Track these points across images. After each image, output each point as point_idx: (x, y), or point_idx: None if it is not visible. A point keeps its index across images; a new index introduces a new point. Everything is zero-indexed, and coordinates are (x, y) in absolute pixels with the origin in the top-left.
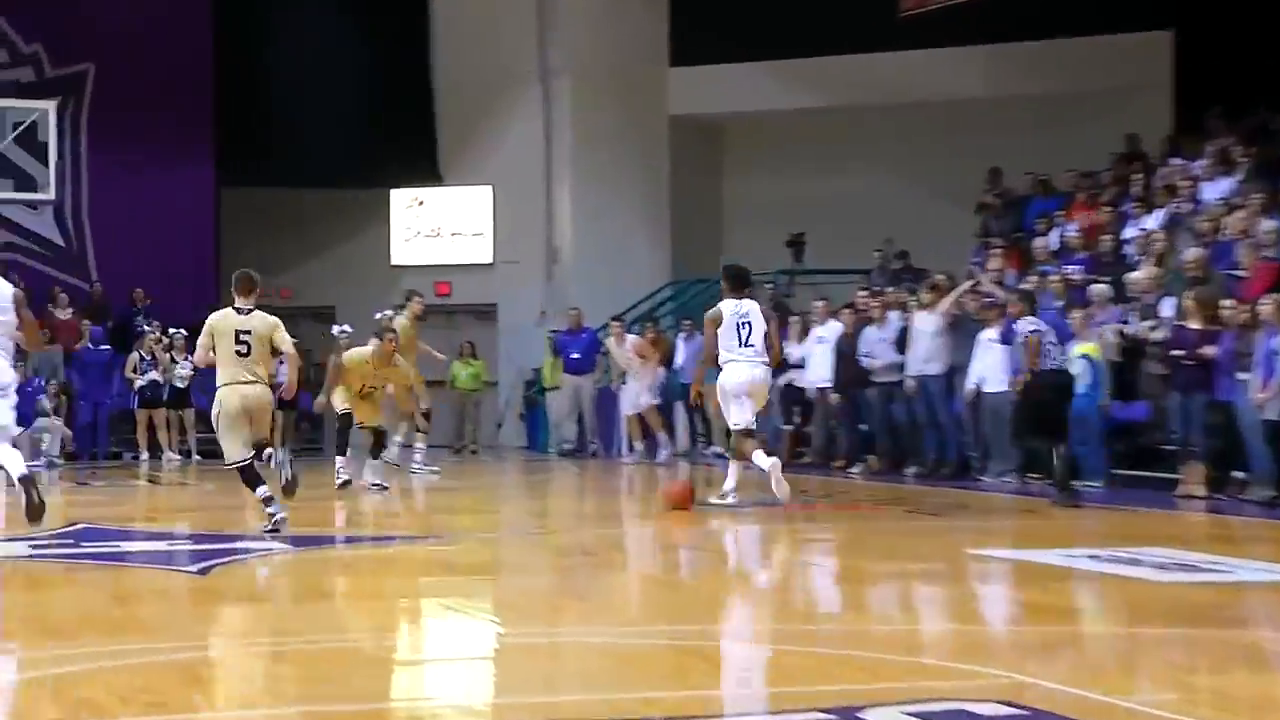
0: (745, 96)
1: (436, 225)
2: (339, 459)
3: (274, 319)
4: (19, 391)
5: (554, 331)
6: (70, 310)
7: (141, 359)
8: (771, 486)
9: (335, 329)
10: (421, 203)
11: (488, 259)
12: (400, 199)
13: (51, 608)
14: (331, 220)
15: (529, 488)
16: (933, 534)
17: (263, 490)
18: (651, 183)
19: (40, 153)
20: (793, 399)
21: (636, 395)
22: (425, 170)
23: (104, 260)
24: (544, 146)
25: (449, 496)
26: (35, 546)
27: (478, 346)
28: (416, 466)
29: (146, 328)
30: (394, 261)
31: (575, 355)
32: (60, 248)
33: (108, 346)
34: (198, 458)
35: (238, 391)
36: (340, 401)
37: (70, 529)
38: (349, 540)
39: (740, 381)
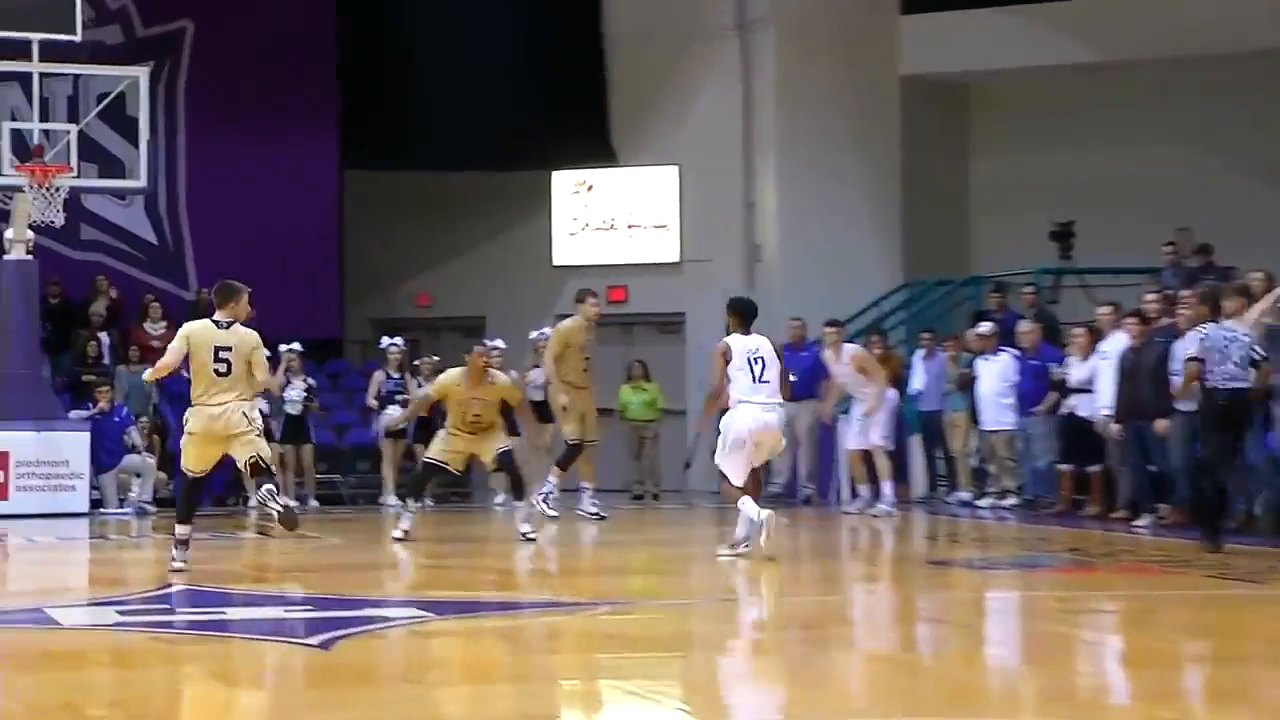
0: (997, 51)
1: (609, 216)
2: (404, 502)
3: (254, 337)
4: (105, 423)
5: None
6: (164, 324)
7: None
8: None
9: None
10: (590, 187)
11: (673, 257)
12: (565, 183)
13: (142, 688)
14: (480, 210)
15: (724, 542)
16: (1246, 605)
17: (182, 530)
18: (879, 161)
19: (129, 130)
20: (1074, 432)
21: (863, 427)
22: (595, 148)
23: (205, 261)
24: (743, 117)
25: (623, 553)
26: (124, 613)
27: (658, 366)
28: (588, 510)
29: None
30: (556, 261)
31: (793, 377)
32: (153, 247)
33: None
34: (315, 503)
35: (205, 413)
36: (436, 449)
37: (164, 591)
38: (503, 607)
39: (749, 426)
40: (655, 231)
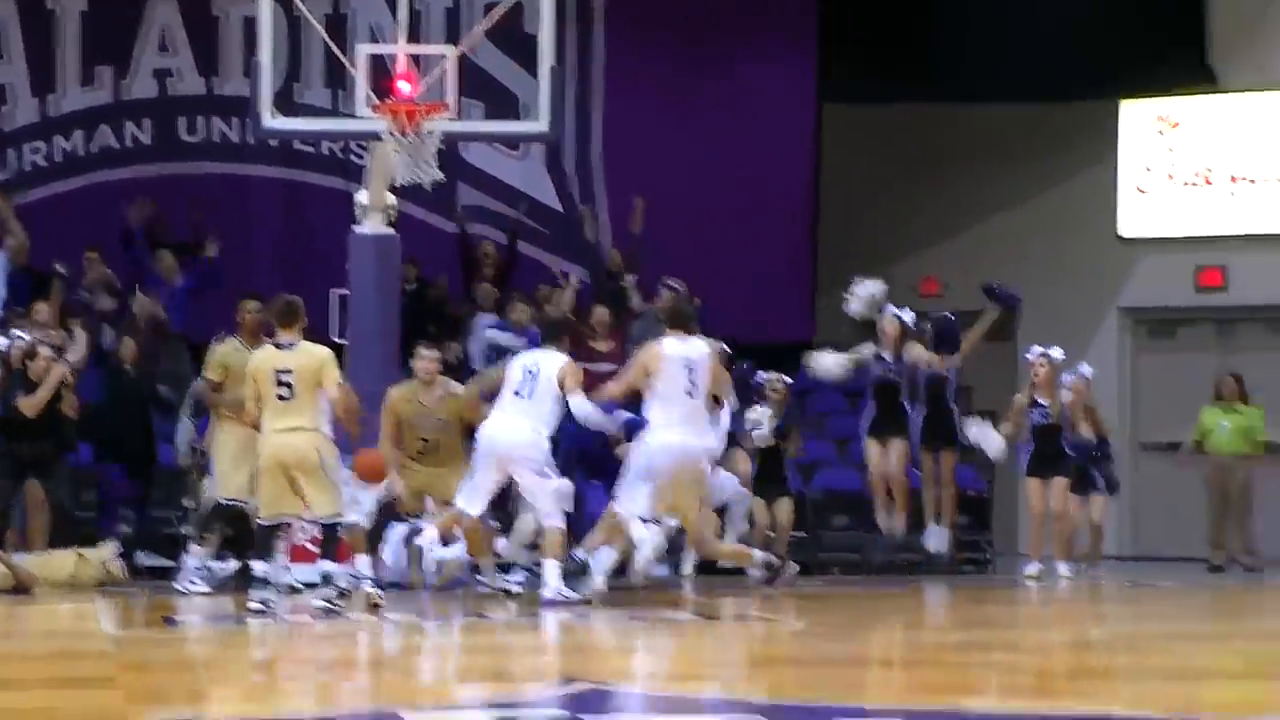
0: None
1: (1203, 166)
2: None
3: None
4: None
5: None
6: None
7: None
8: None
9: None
10: (1176, 125)
11: None
12: (1138, 119)
13: None
14: (1009, 160)
15: None
16: None
17: None
18: None
19: (525, 54)
20: None
21: None
22: (1184, 66)
23: (627, 235)
24: None
25: (1204, 649)
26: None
27: (1264, 382)
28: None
29: None
30: (1123, 231)
31: None
32: (558, 216)
33: None
34: (795, 567)
35: None
36: None
37: (565, 690)
38: None
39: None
40: (1271, 188)
